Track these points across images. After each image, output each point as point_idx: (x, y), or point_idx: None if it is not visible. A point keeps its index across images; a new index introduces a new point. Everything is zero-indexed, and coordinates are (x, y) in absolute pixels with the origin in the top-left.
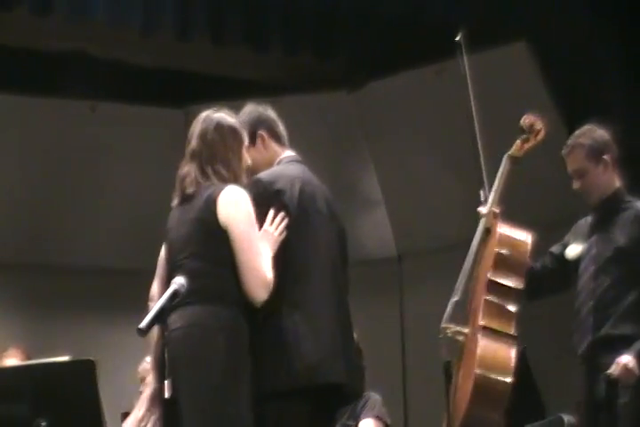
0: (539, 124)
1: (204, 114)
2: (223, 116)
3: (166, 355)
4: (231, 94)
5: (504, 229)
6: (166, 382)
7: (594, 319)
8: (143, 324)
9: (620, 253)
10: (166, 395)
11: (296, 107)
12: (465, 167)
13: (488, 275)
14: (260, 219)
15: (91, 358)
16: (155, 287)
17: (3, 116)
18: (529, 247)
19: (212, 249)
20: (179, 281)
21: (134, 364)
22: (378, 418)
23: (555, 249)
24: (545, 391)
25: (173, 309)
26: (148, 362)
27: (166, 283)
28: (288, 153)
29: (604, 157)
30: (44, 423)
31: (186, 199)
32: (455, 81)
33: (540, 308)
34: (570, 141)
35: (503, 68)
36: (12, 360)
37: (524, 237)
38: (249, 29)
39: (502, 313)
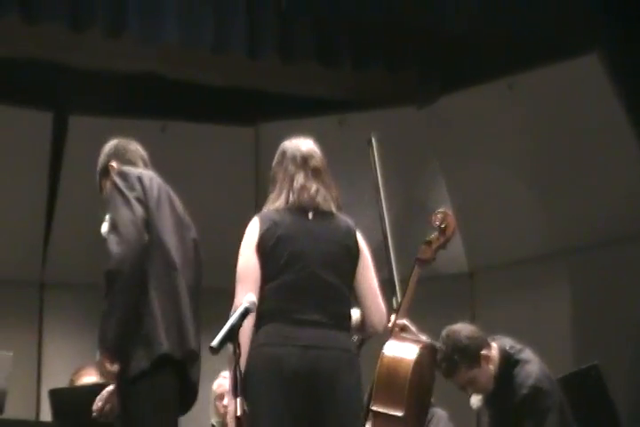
0: (445, 221)
1: (307, 139)
2: None
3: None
4: (302, 111)
5: (389, 349)
6: (238, 399)
7: None
8: (215, 342)
9: None
10: (238, 413)
11: (366, 123)
12: (537, 181)
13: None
14: (137, 199)
15: None
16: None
17: (75, 137)
18: (411, 366)
19: (350, 276)
20: (250, 299)
21: (212, 379)
22: None
23: None
24: (619, 405)
25: (304, 324)
26: (224, 377)
27: (284, 287)
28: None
29: (482, 352)
30: None
31: (318, 215)
32: (527, 95)
33: (614, 324)
34: (443, 363)
35: (574, 81)
36: (90, 378)
37: (411, 352)
38: (318, 46)
39: None
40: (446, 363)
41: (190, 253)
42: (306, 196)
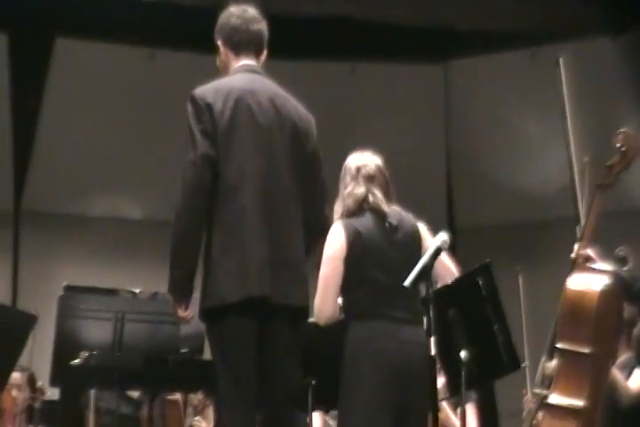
0: (626, 142)
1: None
2: None
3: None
4: (490, 47)
5: (572, 282)
6: (432, 339)
7: None
8: (407, 282)
9: None
10: (432, 352)
11: (559, 55)
12: None
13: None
14: (203, 132)
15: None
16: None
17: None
18: (597, 297)
19: None
20: (442, 238)
21: None
22: None
23: None
24: None
25: (398, 321)
26: None
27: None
28: (243, 62)
29: None
30: (313, 382)
31: (381, 215)
32: None
33: None
34: None
35: None
36: None
37: (596, 284)
38: None
39: (571, 383)
40: None
41: (280, 176)
42: (365, 200)
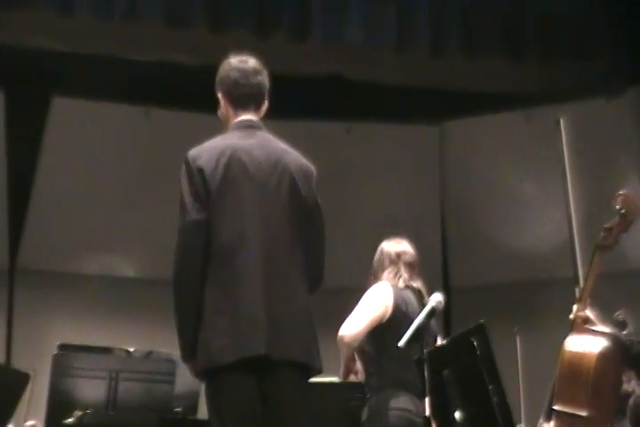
0: (625, 204)
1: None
2: None
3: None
4: (486, 108)
5: (570, 343)
6: (427, 399)
7: None
8: (402, 342)
9: None
10: (427, 413)
11: (554, 116)
12: None
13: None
14: (194, 195)
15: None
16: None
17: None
18: (594, 360)
19: None
20: (437, 298)
21: None
22: None
23: None
24: None
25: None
26: None
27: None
28: (240, 118)
29: None
30: None
31: (421, 299)
32: None
33: None
34: None
35: None
36: None
37: (594, 346)
38: (503, 41)
39: None
40: None
41: (279, 231)
42: (415, 287)
